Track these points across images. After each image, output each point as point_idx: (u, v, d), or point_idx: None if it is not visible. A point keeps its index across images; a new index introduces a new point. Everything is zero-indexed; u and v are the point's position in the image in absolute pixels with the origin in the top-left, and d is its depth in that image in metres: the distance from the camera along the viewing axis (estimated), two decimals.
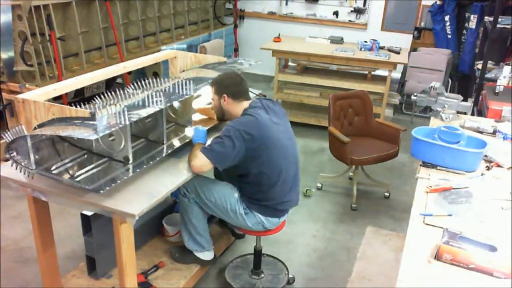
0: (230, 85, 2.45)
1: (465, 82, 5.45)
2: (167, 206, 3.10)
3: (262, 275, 2.87)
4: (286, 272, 2.91)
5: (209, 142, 2.38)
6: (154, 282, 2.57)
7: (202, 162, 2.24)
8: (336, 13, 6.38)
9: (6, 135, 1.93)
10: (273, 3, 6.68)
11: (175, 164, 2.31)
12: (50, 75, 3.86)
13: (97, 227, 2.49)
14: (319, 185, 4.02)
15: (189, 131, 2.59)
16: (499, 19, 4.10)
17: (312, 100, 5.24)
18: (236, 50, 6.80)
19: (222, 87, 2.45)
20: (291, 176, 2.46)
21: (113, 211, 1.90)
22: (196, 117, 2.75)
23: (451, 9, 5.62)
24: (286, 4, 6.62)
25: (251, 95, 2.56)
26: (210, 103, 2.64)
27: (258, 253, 2.82)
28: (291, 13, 6.62)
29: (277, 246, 3.17)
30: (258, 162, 2.32)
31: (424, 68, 5.49)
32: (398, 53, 5.14)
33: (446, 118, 2.89)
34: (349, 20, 6.38)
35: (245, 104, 2.45)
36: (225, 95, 2.44)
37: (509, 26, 4.19)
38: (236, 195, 2.45)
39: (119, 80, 5.31)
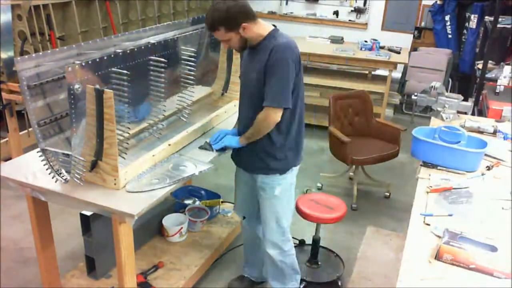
0: (242, 10, 2.06)
1: (466, 82, 5.45)
2: (167, 206, 3.10)
3: (320, 263, 2.96)
4: (335, 255, 3.04)
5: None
6: (153, 282, 2.57)
7: (276, 115, 2.11)
8: (336, 13, 6.38)
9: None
10: (273, 3, 6.67)
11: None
12: None
13: (96, 227, 2.49)
14: (319, 185, 4.01)
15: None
16: (500, 19, 4.09)
17: (312, 100, 5.23)
18: None
19: (235, 19, 2.05)
20: None
21: (112, 211, 1.90)
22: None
23: (452, 8, 5.62)
24: (286, 3, 6.61)
25: None
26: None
27: (317, 242, 2.91)
28: (291, 12, 6.61)
29: None
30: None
31: (425, 68, 5.49)
32: (398, 52, 5.13)
33: (446, 118, 2.88)
34: (349, 20, 6.37)
35: (262, 22, 2.16)
36: (244, 23, 2.05)
37: (509, 26, 4.19)
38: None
39: None
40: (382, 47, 5.24)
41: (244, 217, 2.61)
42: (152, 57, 2.26)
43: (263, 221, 2.39)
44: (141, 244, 2.86)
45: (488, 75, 4.06)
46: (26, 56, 1.84)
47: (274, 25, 2.25)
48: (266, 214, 2.36)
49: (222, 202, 3.30)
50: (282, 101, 2.08)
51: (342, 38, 5.54)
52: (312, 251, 2.95)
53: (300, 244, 3.16)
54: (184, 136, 2.46)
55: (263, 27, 2.15)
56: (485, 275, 1.61)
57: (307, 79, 5.16)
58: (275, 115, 2.11)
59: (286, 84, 2.08)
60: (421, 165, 2.40)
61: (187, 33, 2.56)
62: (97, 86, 1.83)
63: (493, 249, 1.66)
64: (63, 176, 2.00)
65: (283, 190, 2.30)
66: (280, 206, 2.33)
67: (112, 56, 2.00)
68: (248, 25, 2.07)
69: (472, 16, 5.39)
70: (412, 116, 5.57)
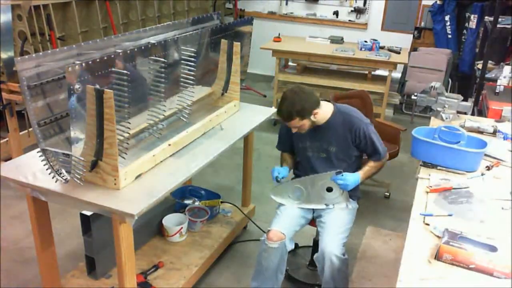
0: (310, 100, 2.36)
1: (465, 82, 5.45)
2: (167, 206, 3.10)
3: None
4: None
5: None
6: (153, 282, 2.57)
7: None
8: (336, 13, 6.38)
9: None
10: (273, 3, 6.67)
11: (175, 164, 2.31)
12: None
13: (96, 227, 2.49)
14: None
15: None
16: (499, 19, 4.09)
17: None
18: None
19: (307, 109, 2.35)
20: None
21: (112, 211, 1.90)
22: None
23: (451, 9, 5.62)
24: (286, 4, 6.61)
25: None
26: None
27: (317, 244, 2.83)
28: (291, 13, 6.61)
29: None
30: None
31: (424, 68, 5.49)
32: (398, 53, 5.13)
33: (446, 118, 2.88)
34: (349, 20, 6.37)
35: (324, 103, 2.47)
36: (314, 110, 2.37)
37: (509, 26, 4.19)
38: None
39: None
40: (382, 47, 5.23)
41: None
42: (152, 57, 2.26)
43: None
44: (141, 244, 2.86)
45: (488, 75, 4.06)
46: (26, 56, 1.84)
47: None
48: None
49: (222, 202, 3.30)
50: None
51: (342, 38, 5.54)
52: (313, 253, 2.91)
53: (294, 248, 3.12)
54: (184, 136, 2.46)
55: (325, 108, 2.47)
56: (485, 275, 1.62)
57: (307, 79, 5.18)
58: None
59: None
60: (421, 165, 2.40)
61: (187, 33, 2.56)
62: (97, 86, 1.83)
63: (493, 249, 1.66)
64: (63, 176, 2.00)
65: None
66: None
67: (112, 56, 2.00)
68: (317, 111, 2.38)
69: (472, 16, 5.39)
70: (412, 116, 5.58)
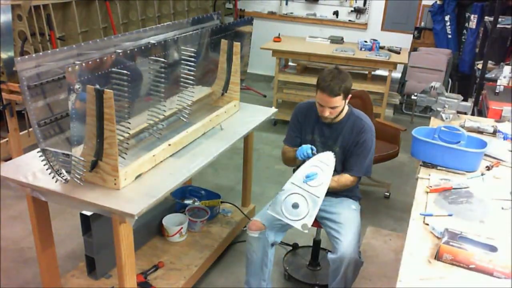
0: (351, 83, 2.34)
1: (465, 82, 5.45)
2: (167, 206, 3.10)
3: (319, 267, 2.94)
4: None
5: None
6: (153, 282, 2.57)
7: None
8: (336, 13, 6.38)
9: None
10: (273, 3, 6.67)
11: (175, 164, 2.31)
12: None
13: (96, 227, 2.49)
14: None
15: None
16: (499, 19, 4.09)
17: None
18: None
19: (350, 89, 2.33)
20: None
21: (112, 211, 1.90)
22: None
23: (451, 9, 5.62)
24: (286, 4, 6.61)
25: None
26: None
27: (318, 244, 2.89)
28: (291, 13, 6.61)
29: (277, 247, 3.16)
30: None
31: (424, 68, 5.49)
32: (398, 53, 5.13)
33: (446, 118, 2.88)
34: (349, 20, 6.38)
35: None
36: (350, 94, 2.37)
37: (509, 26, 4.19)
38: None
39: None
40: (382, 47, 5.23)
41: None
42: (152, 57, 2.26)
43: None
44: (141, 244, 2.86)
45: (488, 75, 4.06)
46: (26, 56, 1.84)
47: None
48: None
49: (222, 202, 3.30)
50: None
51: (342, 38, 5.54)
52: (313, 253, 2.94)
53: (294, 248, 3.15)
54: (184, 136, 2.46)
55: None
56: (485, 275, 1.62)
57: (307, 79, 5.17)
58: None
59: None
60: (421, 165, 2.40)
61: (187, 33, 2.56)
62: (97, 86, 1.83)
63: (493, 249, 1.66)
64: (63, 176, 2.00)
65: None
66: None
67: (112, 56, 2.00)
68: (349, 97, 2.38)
69: (472, 16, 5.39)
70: (412, 116, 5.58)
